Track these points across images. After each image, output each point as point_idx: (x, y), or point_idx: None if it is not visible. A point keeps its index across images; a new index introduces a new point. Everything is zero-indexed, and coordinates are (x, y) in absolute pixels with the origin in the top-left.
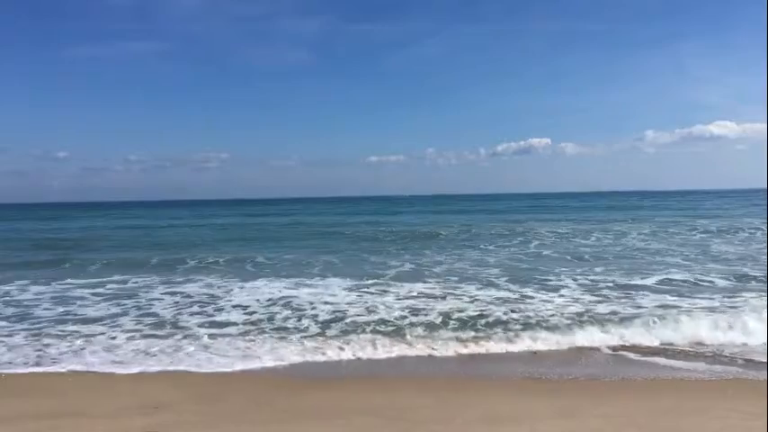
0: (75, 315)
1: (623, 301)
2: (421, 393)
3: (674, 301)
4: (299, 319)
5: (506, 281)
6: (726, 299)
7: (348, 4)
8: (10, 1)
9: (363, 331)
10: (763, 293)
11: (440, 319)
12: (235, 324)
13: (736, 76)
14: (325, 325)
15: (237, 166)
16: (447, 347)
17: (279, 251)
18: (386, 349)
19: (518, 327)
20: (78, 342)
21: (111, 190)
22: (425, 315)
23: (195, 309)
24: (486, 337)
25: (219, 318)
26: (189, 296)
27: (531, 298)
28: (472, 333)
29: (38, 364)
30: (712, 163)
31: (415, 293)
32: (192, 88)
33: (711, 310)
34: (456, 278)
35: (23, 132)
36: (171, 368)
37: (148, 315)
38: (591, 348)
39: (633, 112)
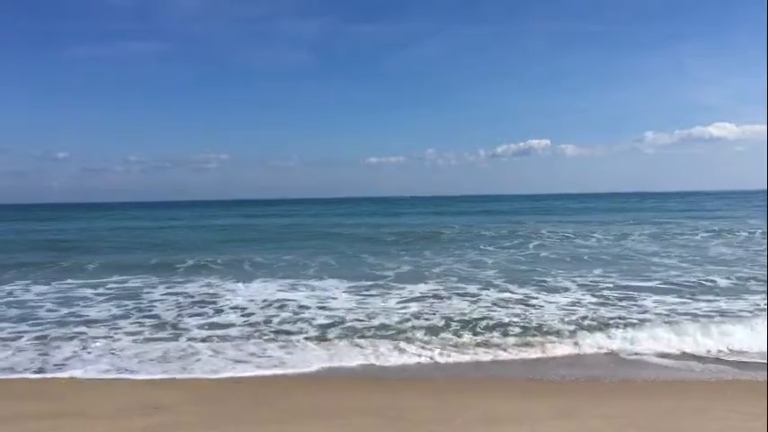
0: (79, 317)
1: (624, 304)
2: (421, 394)
3: (676, 303)
4: (298, 322)
5: (506, 282)
6: (728, 300)
7: (348, 5)
8: (10, 1)
9: (363, 333)
10: (764, 294)
11: (441, 322)
12: (234, 326)
13: (735, 77)
14: (325, 327)
15: (237, 166)
16: (448, 350)
17: (278, 252)
18: (386, 351)
19: (519, 330)
20: (80, 347)
21: (111, 191)
22: (426, 318)
23: (195, 310)
24: (486, 342)
25: (218, 319)
26: (189, 296)
27: (534, 299)
28: (473, 335)
29: (41, 371)
30: (711, 164)
31: (416, 295)
32: (192, 89)
33: (714, 312)
34: (456, 278)
35: (23, 132)
36: (173, 371)
37: (149, 317)
38: (591, 350)
39: (633, 113)
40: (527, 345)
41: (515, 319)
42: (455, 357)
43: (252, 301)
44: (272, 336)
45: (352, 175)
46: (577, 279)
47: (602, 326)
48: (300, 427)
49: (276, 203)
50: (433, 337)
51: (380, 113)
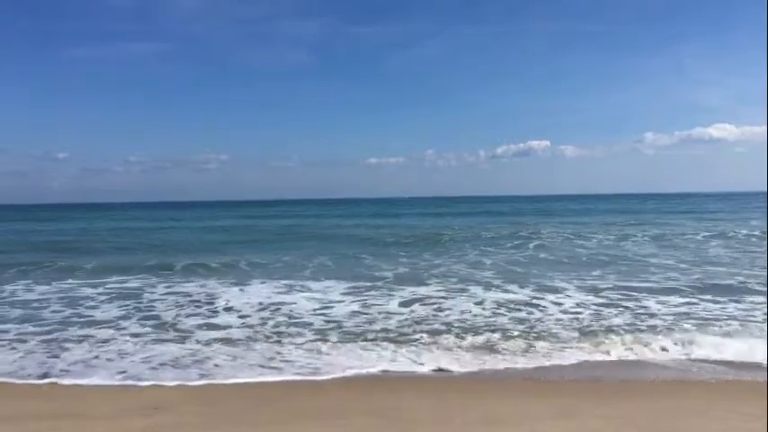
0: (80, 317)
1: (625, 305)
2: (421, 394)
3: (677, 303)
4: (298, 324)
5: (507, 282)
6: (728, 301)
7: (348, 6)
8: (10, 1)
9: (363, 335)
10: (764, 295)
11: (441, 324)
12: (232, 327)
13: (736, 78)
14: (324, 328)
15: (237, 167)
16: (448, 352)
17: (278, 253)
18: (386, 352)
19: (520, 333)
20: (87, 351)
21: (111, 191)
22: (426, 319)
23: (193, 310)
24: (486, 342)
25: (217, 320)
26: (188, 296)
27: (535, 300)
28: (473, 336)
29: (46, 376)
30: (711, 165)
31: (417, 296)
32: (192, 89)
33: (714, 313)
34: (456, 279)
35: (23, 132)
36: (174, 374)
37: (149, 318)
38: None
39: (633, 114)
40: (529, 347)
41: (516, 322)
42: (455, 359)
43: (248, 303)
44: (272, 337)
45: (352, 176)
46: (580, 281)
47: (603, 327)
48: (301, 428)
49: (276, 204)
50: (434, 339)
51: (380, 114)
